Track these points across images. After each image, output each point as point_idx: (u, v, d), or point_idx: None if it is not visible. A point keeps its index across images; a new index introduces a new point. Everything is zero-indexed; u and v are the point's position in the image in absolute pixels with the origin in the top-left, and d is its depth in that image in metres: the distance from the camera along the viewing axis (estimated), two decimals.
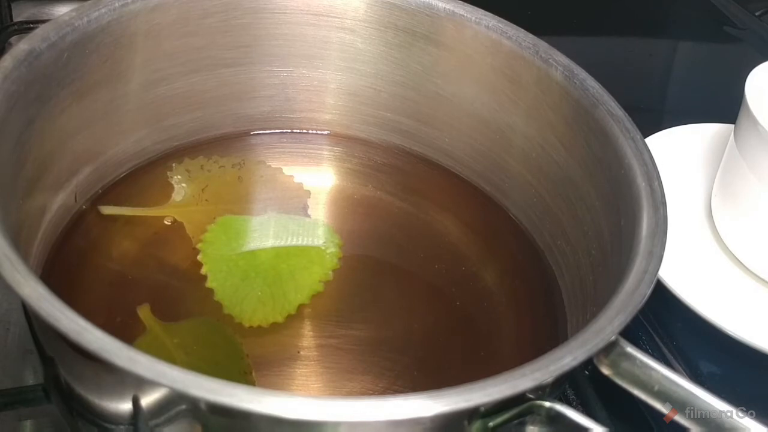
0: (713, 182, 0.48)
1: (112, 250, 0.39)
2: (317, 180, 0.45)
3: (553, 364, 0.26)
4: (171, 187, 0.42)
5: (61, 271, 0.37)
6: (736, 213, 0.45)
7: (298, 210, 0.43)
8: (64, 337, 0.24)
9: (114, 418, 0.29)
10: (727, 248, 0.46)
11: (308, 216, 0.42)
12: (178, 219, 0.40)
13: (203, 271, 0.38)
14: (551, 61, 0.39)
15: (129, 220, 0.40)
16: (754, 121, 0.42)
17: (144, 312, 0.36)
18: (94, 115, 0.39)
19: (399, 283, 0.41)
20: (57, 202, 0.38)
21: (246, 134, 0.46)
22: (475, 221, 0.44)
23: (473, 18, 0.41)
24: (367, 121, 0.46)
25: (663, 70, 0.69)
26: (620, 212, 0.35)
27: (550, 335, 0.38)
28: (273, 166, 0.45)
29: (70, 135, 0.38)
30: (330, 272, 0.39)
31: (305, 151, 0.47)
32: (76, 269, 0.38)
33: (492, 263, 0.42)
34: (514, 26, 0.41)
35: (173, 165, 0.43)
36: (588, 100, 0.38)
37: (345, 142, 0.47)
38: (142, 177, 0.42)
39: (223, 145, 0.45)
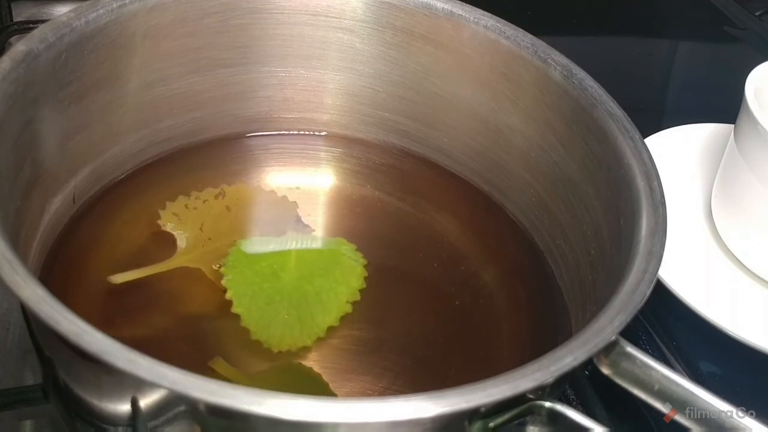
0: (713, 182, 0.48)
1: (110, 251, 0.39)
2: (315, 181, 0.45)
3: (553, 365, 0.26)
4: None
5: (59, 272, 0.37)
6: (736, 213, 0.45)
7: (292, 222, 0.42)
8: (63, 339, 0.24)
9: (112, 419, 0.29)
10: (727, 248, 0.46)
11: (306, 225, 0.42)
12: (193, 266, 0.38)
13: (228, 296, 0.37)
14: (550, 60, 0.39)
15: (127, 221, 0.40)
16: (754, 121, 0.42)
17: (220, 365, 0.34)
18: (93, 115, 0.39)
19: (398, 283, 0.41)
20: (55, 204, 0.38)
21: (243, 136, 0.46)
22: (474, 221, 0.44)
23: (471, 18, 0.41)
24: (365, 121, 0.46)
25: (663, 70, 0.69)
26: (619, 212, 0.35)
27: (550, 335, 0.38)
28: (251, 186, 0.44)
29: (69, 136, 0.38)
30: (357, 292, 0.38)
31: (303, 152, 0.47)
32: (75, 271, 0.37)
33: (491, 263, 0.42)
34: (513, 26, 0.41)
35: (159, 212, 0.40)
36: (587, 99, 0.38)
37: (343, 142, 0.47)
38: (145, 178, 0.42)
39: (221, 146, 0.45)
